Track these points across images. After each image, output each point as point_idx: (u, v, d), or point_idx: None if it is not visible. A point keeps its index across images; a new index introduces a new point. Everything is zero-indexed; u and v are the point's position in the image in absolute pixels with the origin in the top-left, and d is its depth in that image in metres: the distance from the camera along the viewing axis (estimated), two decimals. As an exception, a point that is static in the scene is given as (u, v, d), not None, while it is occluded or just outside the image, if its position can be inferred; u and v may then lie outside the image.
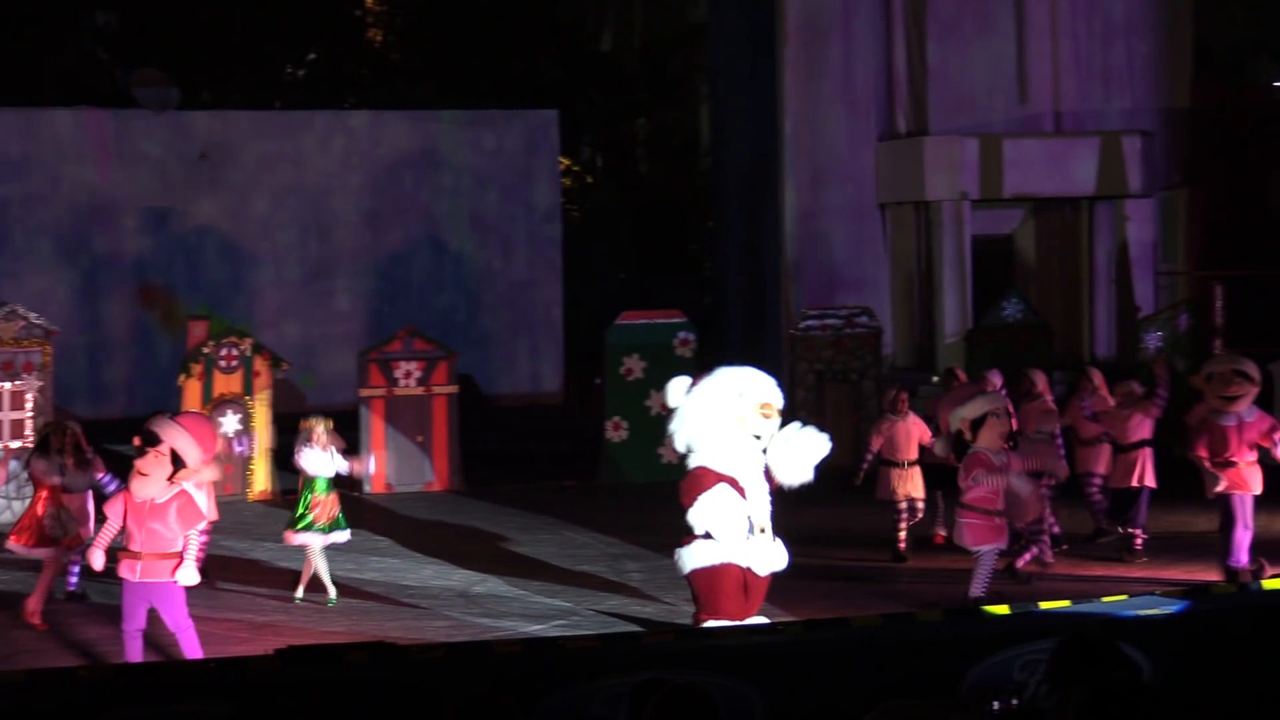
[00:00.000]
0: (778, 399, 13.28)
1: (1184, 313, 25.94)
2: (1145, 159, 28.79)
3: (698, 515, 12.98)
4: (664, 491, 18.52)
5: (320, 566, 16.05)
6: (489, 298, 33.45)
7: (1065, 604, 10.88)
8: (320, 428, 16.27)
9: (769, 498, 13.30)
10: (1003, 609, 10.05)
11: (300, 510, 16.01)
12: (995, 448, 15.00)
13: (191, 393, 22.42)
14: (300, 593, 16.09)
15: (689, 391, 13.37)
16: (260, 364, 22.82)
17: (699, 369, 15.19)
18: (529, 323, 33.50)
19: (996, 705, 6.71)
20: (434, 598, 16.34)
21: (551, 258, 33.85)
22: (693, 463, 13.24)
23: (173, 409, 19.52)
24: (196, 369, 22.56)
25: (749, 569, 13.01)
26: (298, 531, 16.00)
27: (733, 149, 33.34)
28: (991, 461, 14.90)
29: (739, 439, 13.08)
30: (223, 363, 22.65)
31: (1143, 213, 29.82)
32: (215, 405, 22.17)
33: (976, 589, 14.79)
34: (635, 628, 14.26)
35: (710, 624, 12.64)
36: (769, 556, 13.13)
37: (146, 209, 31.99)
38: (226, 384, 22.56)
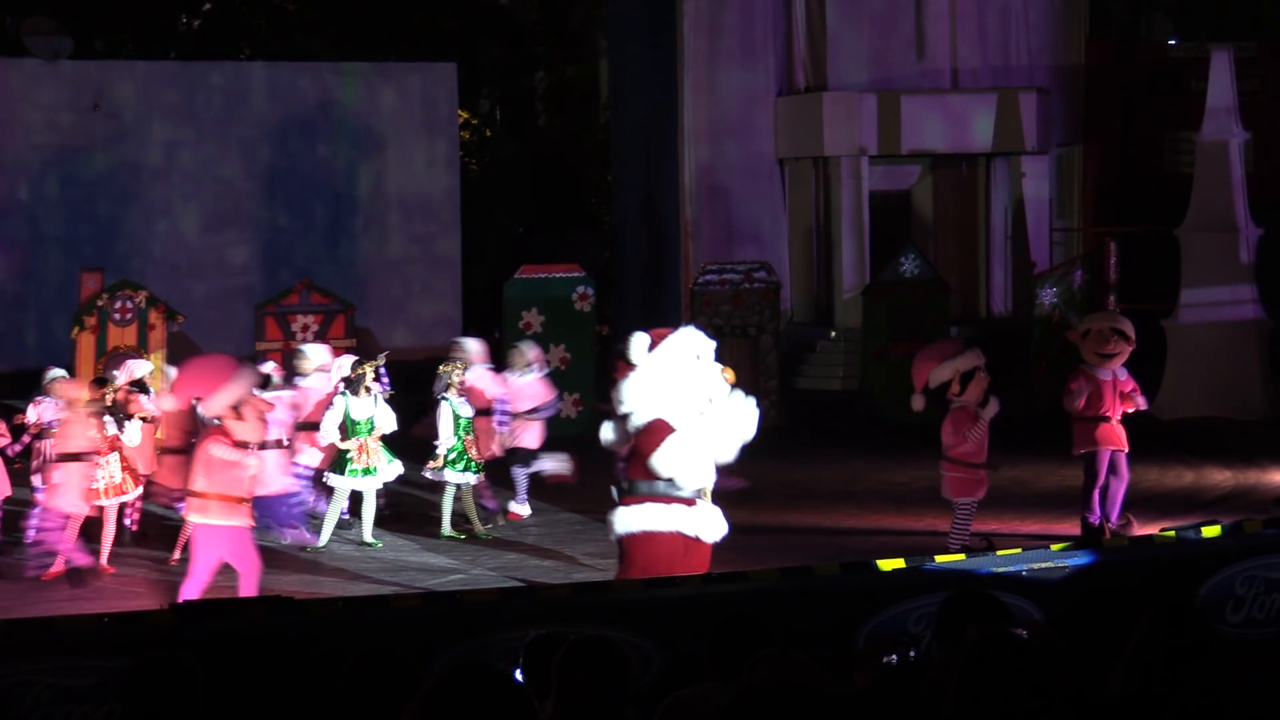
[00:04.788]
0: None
1: (1078, 269, 26.18)
2: (1041, 116, 28.99)
3: (663, 460, 12.03)
4: (560, 446, 18.54)
5: (470, 503, 17.00)
6: (387, 251, 33.24)
7: (959, 558, 11.01)
8: (458, 372, 16.88)
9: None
10: (897, 563, 10.14)
11: (456, 450, 16.74)
12: (979, 401, 15.11)
13: (85, 346, 22.17)
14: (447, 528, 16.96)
15: (649, 350, 12.39)
16: (155, 317, 22.59)
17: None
18: (428, 276, 33.32)
19: (894, 659, 6.75)
20: (330, 553, 16.29)
21: (450, 211, 33.67)
22: (642, 418, 12.27)
23: (66, 363, 19.36)
24: (90, 322, 22.32)
25: (696, 537, 12.19)
26: (457, 471, 16.78)
27: (632, 103, 33.28)
28: (978, 415, 15.01)
29: (694, 401, 12.32)
30: (117, 315, 22.41)
31: (1038, 169, 30.05)
32: (109, 358, 21.95)
33: (954, 540, 14.91)
34: (533, 582, 14.28)
35: None
36: (714, 523, 12.31)
37: (38, 159, 31.52)
38: (121, 337, 22.34)
